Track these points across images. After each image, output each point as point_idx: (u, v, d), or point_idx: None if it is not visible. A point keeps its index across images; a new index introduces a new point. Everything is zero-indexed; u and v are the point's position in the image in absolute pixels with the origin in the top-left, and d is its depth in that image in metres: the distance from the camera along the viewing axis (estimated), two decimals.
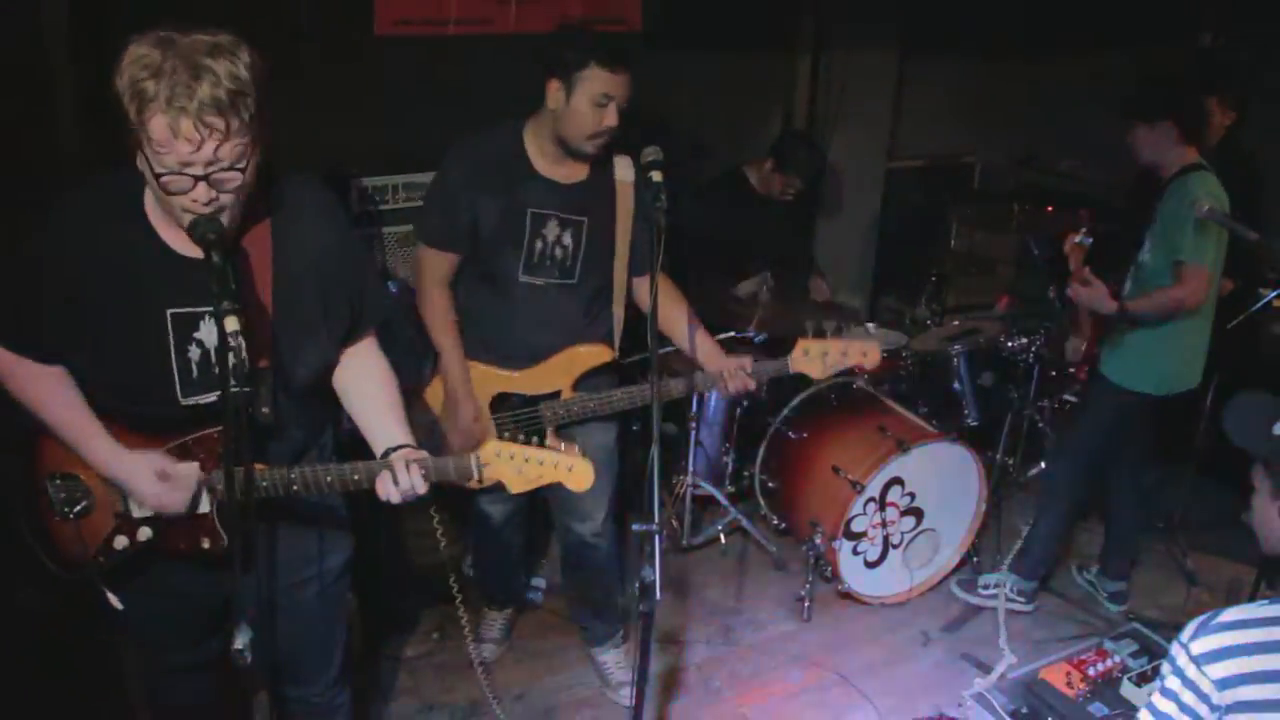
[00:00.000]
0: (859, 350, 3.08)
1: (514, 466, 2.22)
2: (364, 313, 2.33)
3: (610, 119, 2.81)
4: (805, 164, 4.67)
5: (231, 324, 1.79)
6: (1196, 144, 3.62)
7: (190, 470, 2.12)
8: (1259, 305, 4.15)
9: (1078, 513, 4.04)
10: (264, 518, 2.25)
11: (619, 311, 3.17)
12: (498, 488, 3.15)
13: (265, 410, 2.10)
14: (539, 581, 4.02)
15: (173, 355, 2.08)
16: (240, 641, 1.94)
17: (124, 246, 2.02)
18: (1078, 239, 3.69)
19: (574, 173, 2.96)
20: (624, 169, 3.04)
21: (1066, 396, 4.88)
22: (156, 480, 2.08)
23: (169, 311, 2.06)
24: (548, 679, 3.61)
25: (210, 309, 2.04)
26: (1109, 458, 3.93)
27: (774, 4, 5.21)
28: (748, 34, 5.07)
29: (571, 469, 2.24)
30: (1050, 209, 5.61)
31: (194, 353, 2.10)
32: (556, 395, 3.10)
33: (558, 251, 3.00)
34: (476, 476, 2.22)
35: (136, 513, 2.19)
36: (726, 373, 3.07)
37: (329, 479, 2.17)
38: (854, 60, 5.45)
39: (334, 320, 2.25)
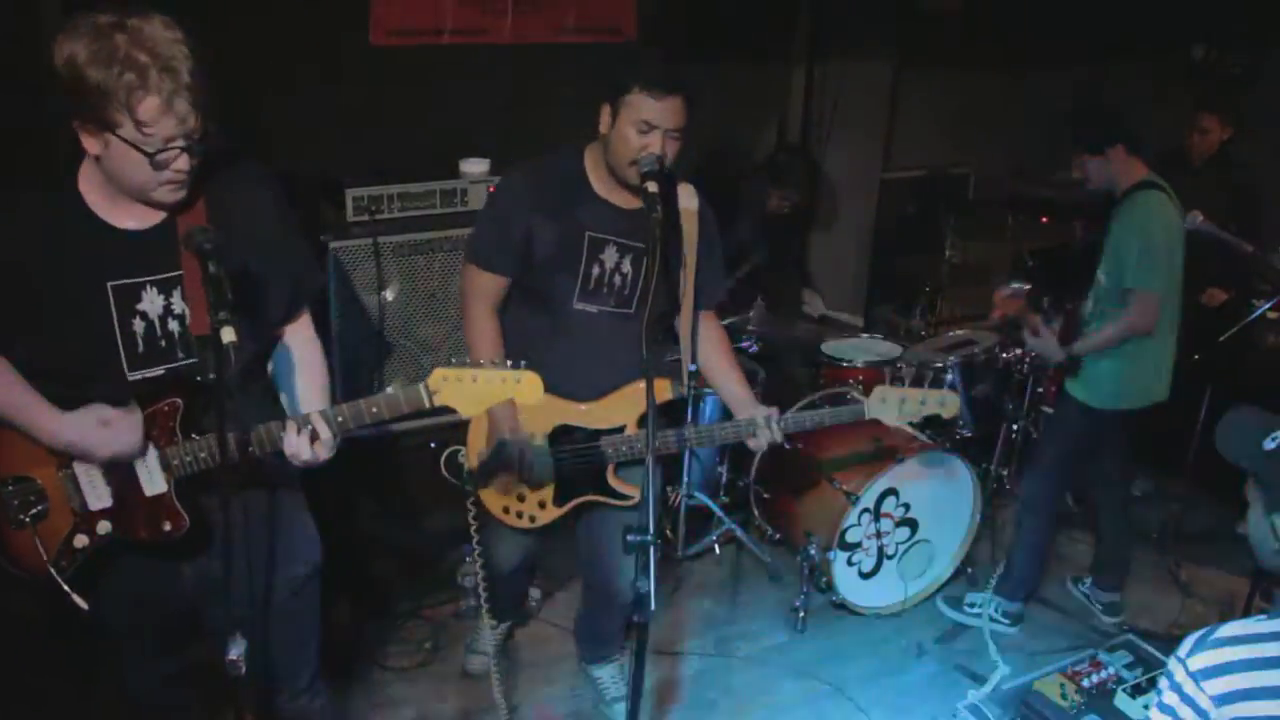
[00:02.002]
0: (936, 399, 3.02)
1: (462, 389, 2.17)
2: (301, 288, 2.37)
3: (653, 146, 2.63)
4: (800, 178, 4.68)
5: (228, 335, 1.81)
6: (1142, 156, 3.60)
7: (130, 413, 2.11)
8: (1252, 317, 4.15)
9: (1054, 528, 4.03)
10: (234, 524, 2.24)
11: (688, 345, 3.06)
12: (513, 539, 3.16)
13: (211, 378, 2.10)
14: (534, 592, 4.01)
15: (117, 329, 2.11)
16: (235, 652, 1.94)
17: (57, 225, 2.05)
18: (1007, 292, 3.66)
19: (635, 198, 2.77)
20: (687, 197, 2.94)
21: (1044, 409, 4.87)
22: (100, 428, 2.09)
23: (109, 284, 2.08)
24: (543, 690, 3.60)
25: (151, 278, 2.11)
26: (1085, 474, 3.92)
27: (769, 15, 5.23)
28: (742, 45, 5.09)
29: (520, 381, 2.19)
30: (1045, 219, 5.63)
31: (138, 325, 2.12)
32: (620, 430, 2.98)
33: (616, 279, 2.88)
34: (428, 404, 2.18)
35: (94, 504, 2.18)
36: (760, 421, 2.94)
37: (245, 439, 2.15)
38: (849, 71, 5.47)
39: (275, 295, 2.29)
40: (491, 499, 3.03)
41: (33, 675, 3.27)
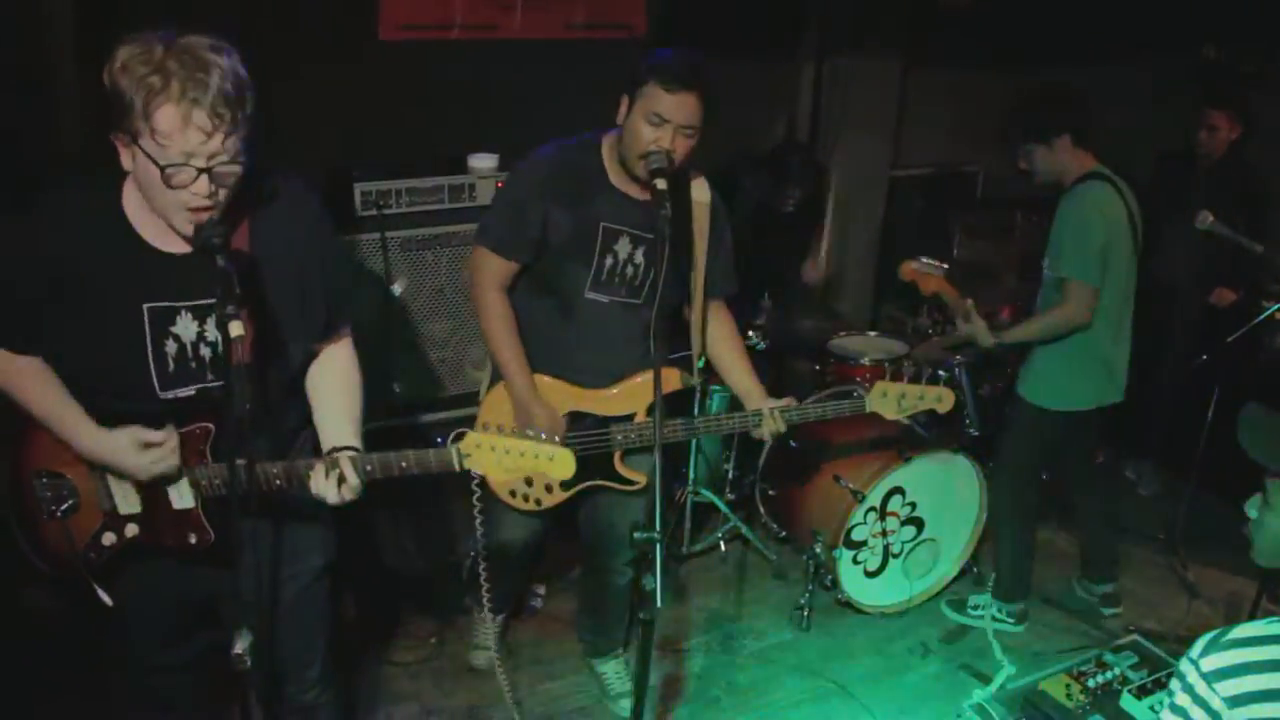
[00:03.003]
0: (934, 395, 3.10)
1: (495, 457, 2.18)
2: (339, 310, 2.35)
3: (663, 140, 2.64)
4: (802, 174, 4.66)
5: (235, 329, 1.81)
6: (1089, 146, 3.54)
7: (168, 437, 2.11)
8: (1261, 317, 4.14)
9: (1032, 527, 4.01)
10: (249, 515, 2.25)
11: (697, 336, 3.07)
12: (519, 521, 3.18)
13: (246, 404, 2.11)
14: (539, 588, 4.01)
15: (149, 350, 2.10)
16: (240, 646, 1.94)
17: (100, 242, 2.04)
18: (917, 265, 3.55)
19: (649, 189, 2.72)
20: (700, 190, 2.95)
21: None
22: (140, 450, 2.09)
23: (145, 306, 2.08)
24: (547, 686, 3.60)
25: (187, 303, 2.09)
26: (1048, 471, 3.89)
27: (778, 12, 5.22)
28: (752, 42, 5.07)
29: (553, 458, 2.19)
30: None
31: (171, 347, 2.12)
32: (630, 418, 3.01)
33: (628, 270, 2.89)
34: (458, 467, 2.20)
35: (123, 509, 2.19)
36: (765, 412, 2.97)
37: (274, 472, 2.16)
38: (858, 68, 5.45)
39: (310, 315, 2.27)
40: (498, 483, 3.05)
41: (45, 666, 3.28)
